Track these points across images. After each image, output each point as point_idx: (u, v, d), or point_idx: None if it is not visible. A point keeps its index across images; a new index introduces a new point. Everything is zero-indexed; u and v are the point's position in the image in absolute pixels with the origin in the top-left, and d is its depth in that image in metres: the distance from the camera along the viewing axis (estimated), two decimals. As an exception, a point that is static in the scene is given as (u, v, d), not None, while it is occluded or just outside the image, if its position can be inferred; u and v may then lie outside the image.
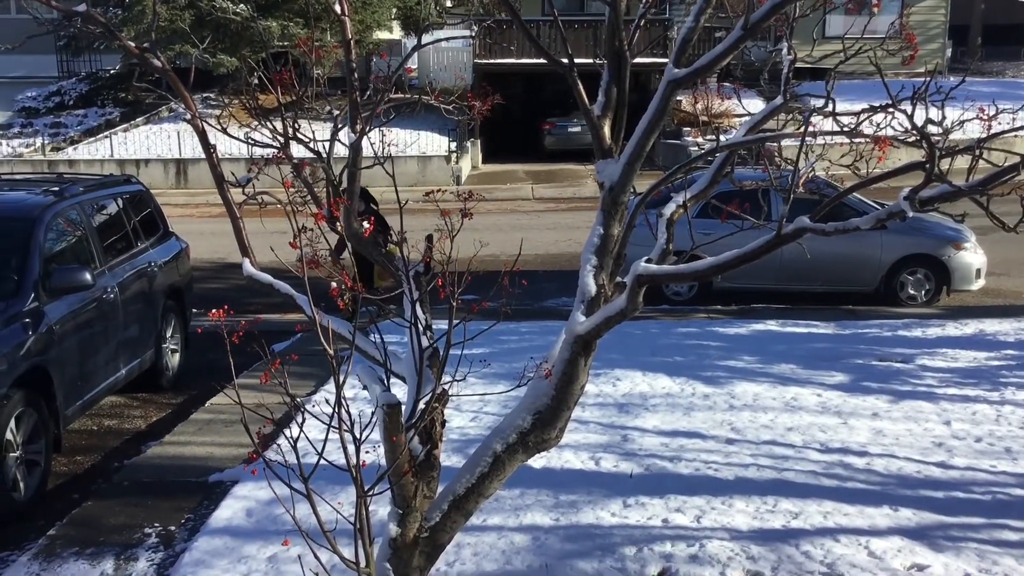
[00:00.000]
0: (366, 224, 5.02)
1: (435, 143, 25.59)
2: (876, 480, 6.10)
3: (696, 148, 23.90)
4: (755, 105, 18.62)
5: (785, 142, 4.41)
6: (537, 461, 6.32)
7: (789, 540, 5.21)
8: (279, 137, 4.73)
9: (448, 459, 5.70)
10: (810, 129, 3.38)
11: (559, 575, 4.86)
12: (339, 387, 3.45)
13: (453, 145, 25.52)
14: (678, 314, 11.64)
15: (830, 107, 3.60)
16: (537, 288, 12.58)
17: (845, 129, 3.89)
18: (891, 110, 3.02)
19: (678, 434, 7.00)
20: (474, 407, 7.54)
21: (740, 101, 8.16)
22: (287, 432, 6.45)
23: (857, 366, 8.87)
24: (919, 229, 11.98)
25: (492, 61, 27.59)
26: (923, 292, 12.15)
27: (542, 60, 4.26)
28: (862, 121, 3.88)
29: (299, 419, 3.48)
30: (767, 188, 5.49)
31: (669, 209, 4.43)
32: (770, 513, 5.58)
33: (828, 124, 4.08)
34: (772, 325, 10.74)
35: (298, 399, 3.59)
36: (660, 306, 12.03)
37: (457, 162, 25.30)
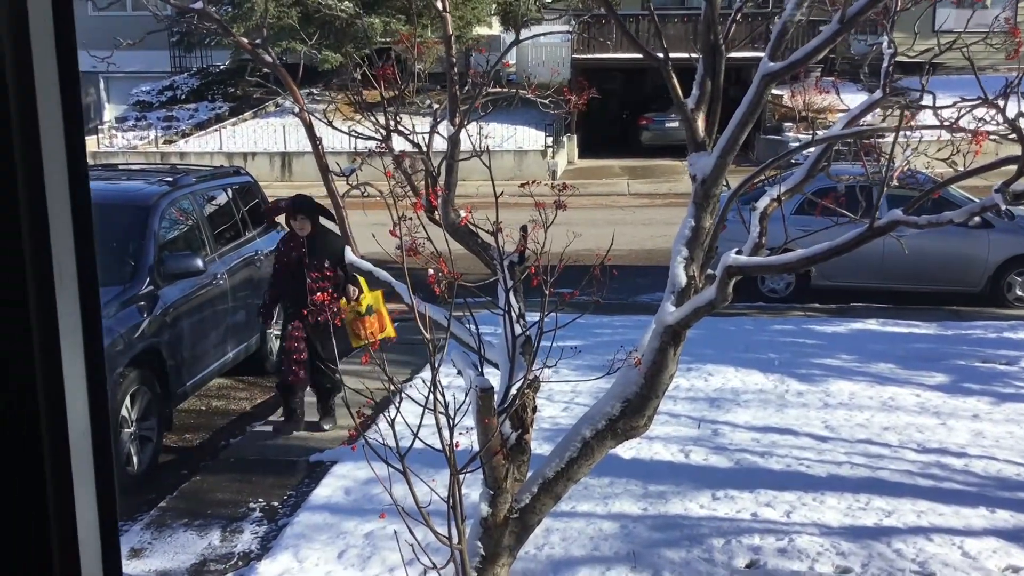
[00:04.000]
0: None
1: (531, 138, 25.74)
2: (973, 481, 5.99)
3: (797, 143, 23.45)
4: (858, 100, 18.14)
5: (887, 137, 4.39)
6: (627, 452, 6.40)
7: (881, 538, 5.17)
8: (381, 130, 4.91)
9: (539, 447, 5.81)
10: (912, 124, 3.38)
11: (646, 563, 4.93)
12: (435, 370, 3.59)
13: (549, 140, 25.62)
14: (774, 312, 11.52)
15: (926, 101, 3.58)
16: (631, 283, 12.61)
17: (945, 124, 3.87)
18: (984, 104, 3.00)
19: (770, 430, 6.97)
20: (566, 397, 7.64)
21: (839, 95, 8.05)
22: (386, 415, 6.67)
23: (959, 367, 8.66)
24: (1029, 229, 11.60)
25: (590, 56, 27.59)
26: (1032, 294, 11.76)
27: (639, 55, 4.33)
28: (960, 116, 3.84)
29: (396, 401, 3.64)
30: (868, 183, 5.44)
31: (763, 203, 4.44)
32: (862, 511, 5.53)
33: (930, 119, 4.04)
34: (872, 324, 10.54)
35: (396, 382, 3.75)
36: (756, 303, 11.93)
37: (553, 157, 25.40)
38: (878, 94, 4.26)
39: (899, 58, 4.45)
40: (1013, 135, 2.89)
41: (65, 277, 0.95)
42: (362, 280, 7.02)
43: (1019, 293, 11.75)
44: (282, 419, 7.40)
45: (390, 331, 7.28)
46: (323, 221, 7.16)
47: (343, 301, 6.98)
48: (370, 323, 7.04)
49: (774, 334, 10.15)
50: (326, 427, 7.18)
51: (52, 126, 0.92)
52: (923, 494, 5.75)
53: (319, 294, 5.29)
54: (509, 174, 23.13)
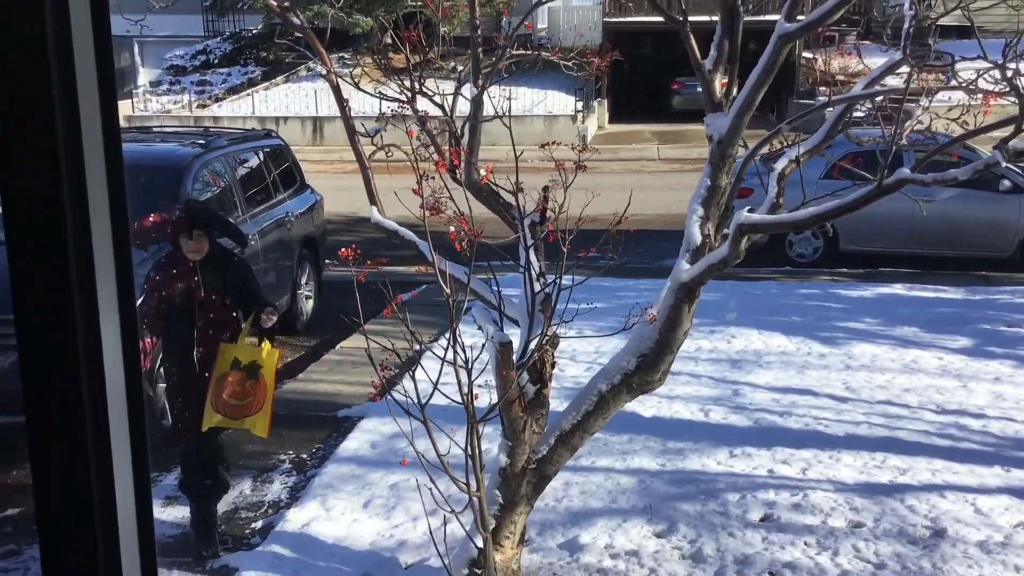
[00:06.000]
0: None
1: (561, 103, 25.70)
2: (991, 442, 6.05)
3: (831, 110, 23.23)
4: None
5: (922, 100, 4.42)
6: (647, 410, 6.52)
7: (894, 495, 5.27)
8: (407, 92, 5.01)
9: (561, 405, 5.93)
10: (923, 85, 3.42)
11: (661, 516, 5.06)
12: (453, 326, 3.72)
13: (580, 105, 25.56)
14: (801, 276, 11.54)
15: (940, 63, 3.62)
16: (656, 247, 12.66)
17: (962, 85, 3.90)
18: (986, 64, 3.04)
19: (790, 391, 7.06)
20: (589, 358, 7.76)
21: (861, 58, 8.01)
22: (411, 373, 6.83)
23: (983, 331, 8.67)
24: (1061, 193, 11.50)
25: (621, 20, 27.43)
26: (1063, 259, 11.68)
27: (694, 17, 4.35)
28: (978, 77, 3.87)
29: (418, 355, 3.76)
30: (883, 147, 5.46)
31: (781, 164, 4.50)
32: (877, 469, 5.62)
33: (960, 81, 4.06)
34: (898, 288, 10.54)
35: (420, 339, 3.87)
36: (783, 268, 11.95)
37: (583, 122, 25.36)
38: (897, 56, 4.30)
39: (935, 22, 4.47)
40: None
41: (103, 251, 1.05)
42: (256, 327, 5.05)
43: (1050, 259, 11.68)
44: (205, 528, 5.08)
45: (263, 422, 4.86)
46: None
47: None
48: (239, 386, 4.80)
49: (800, 298, 10.19)
50: (206, 552, 4.89)
51: (89, 99, 1.02)
52: (939, 453, 5.83)
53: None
54: (539, 139, 22.87)
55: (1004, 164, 2.91)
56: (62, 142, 0.99)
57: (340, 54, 28.18)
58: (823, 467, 5.65)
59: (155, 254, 5.85)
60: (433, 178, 3.90)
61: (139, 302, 4.82)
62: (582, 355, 7.78)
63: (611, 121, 28.34)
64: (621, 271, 11.38)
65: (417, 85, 4.92)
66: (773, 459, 5.77)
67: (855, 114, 5.81)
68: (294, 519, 5.08)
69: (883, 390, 7.07)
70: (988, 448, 5.95)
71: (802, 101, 25.33)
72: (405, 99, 5.01)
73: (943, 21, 4.73)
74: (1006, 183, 11.65)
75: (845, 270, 11.83)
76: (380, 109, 5.02)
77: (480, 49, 4.91)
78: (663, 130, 26.55)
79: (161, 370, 6.69)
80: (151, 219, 5.06)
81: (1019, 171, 11.88)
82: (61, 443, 1.03)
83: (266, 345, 4.95)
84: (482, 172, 4.44)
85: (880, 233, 11.68)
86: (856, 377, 7.37)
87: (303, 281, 9.64)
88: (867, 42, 22.31)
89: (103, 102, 1.03)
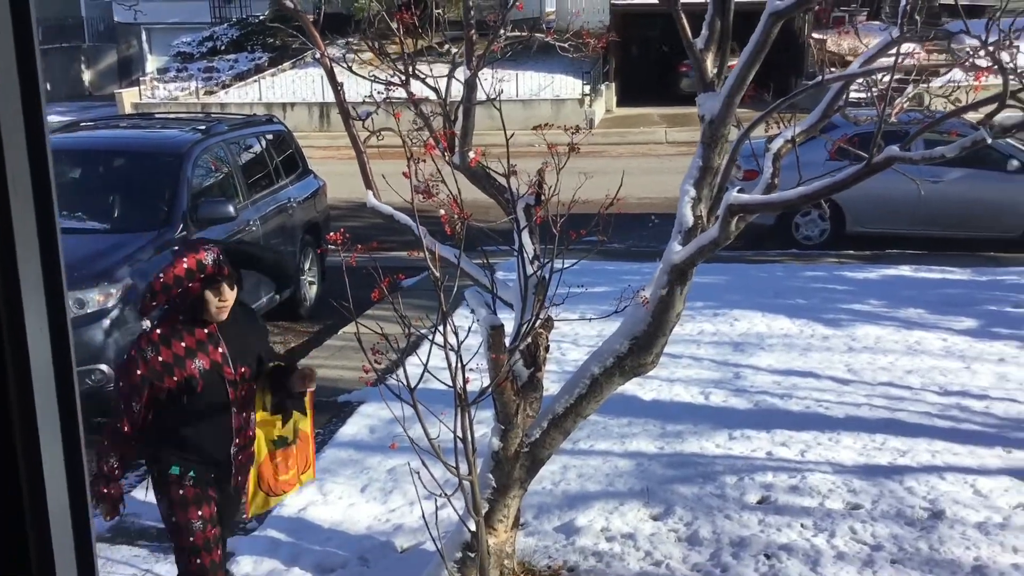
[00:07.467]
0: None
1: (569, 86, 25.57)
2: (992, 423, 6.02)
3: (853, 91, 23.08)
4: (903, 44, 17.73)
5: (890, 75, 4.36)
6: (647, 393, 6.51)
7: (893, 476, 5.24)
8: (400, 75, 4.99)
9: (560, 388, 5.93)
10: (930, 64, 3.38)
11: (658, 499, 5.05)
12: (443, 309, 3.70)
13: (587, 88, 25.44)
14: (807, 258, 11.48)
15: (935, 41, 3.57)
16: (662, 230, 12.57)
17: (956, 62, 3.85)
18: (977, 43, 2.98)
19: (792, 373, 7.03)
20: (591, 341, 7.73)
21: (859, 38, 7.94)
22: (402, 358, 6.83)
23: (989, 312, 8.61)
24: (1069, 173, 11.39)
25: (629, 2, 27.23)
26: (1071, 239, 11.58)
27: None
28: (972, 55, 3.81)
29: (419, 340, 3.74)
30: (881, 126, 5.40)
31: (776, 144, 4.46)
32: (877, 450, 5.60)
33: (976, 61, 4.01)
34: (904, 270, 10.48)
35: (415, 324, 3.85)
36: (789, 251, 11.88)
37: (591, 105, 25.24)
38: (894, 33, 4.24)
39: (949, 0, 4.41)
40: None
41: (25, 234, 1.01)
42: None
43: (1058, 239, 11.58)
44: None
45: (310, 472, 4.33)
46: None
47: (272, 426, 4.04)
48: (294, 456, 4.14)
49: (805, 280, 10.14)
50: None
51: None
52: (940, 435, 5.80)
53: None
54: (549, 123, 23.02)
55: (990, 140, 2.87)
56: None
57: (347, 39, 28.13)
58: (822, 449, 5.63)
59: None
60: (424, 161, 3.88)
61: (125, 398, 3.50)
62: (584, 338, 7.77)
63: (619, 104, 28.19)
64: (626, 254, 11.35)
65: (411, 68, 4.90)
66: (772, 441, 5.75)
67: (853, 94, 5.76)
68: (291, 504, 5.08)
69: (885, 372, 7.03)
70: (990, 429, 5.91)
71: (810, 82, 25.14)
72: (399, 82, 4.99)
73: (950, 0, 4.67)
74: (1014, 163, 11.54)
75: (852, 252, 11.75)
76: (372, 92, 4.99)
77: (473, 32, 4.88)
78: (671, 113, 26.40)
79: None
80: (183, 264, 3.46)
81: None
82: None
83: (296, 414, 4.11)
84: (471, 155, 4.41)
85: (887, 215, 11.59)
86: (859, 359, 7.33)
87: (306, 267, 9.65)
88: (876, 22, 22.12)
89: (22, 79, 1.00)
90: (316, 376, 4.00)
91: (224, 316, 3.60)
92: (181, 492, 3.59)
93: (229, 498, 3.83)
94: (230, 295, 3.57)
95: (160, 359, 3.48)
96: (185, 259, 3.47)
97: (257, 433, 3.89)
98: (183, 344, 3.52)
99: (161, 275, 3.44)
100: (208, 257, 3.49)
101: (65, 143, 8.36)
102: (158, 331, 3.55)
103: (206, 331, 3.58)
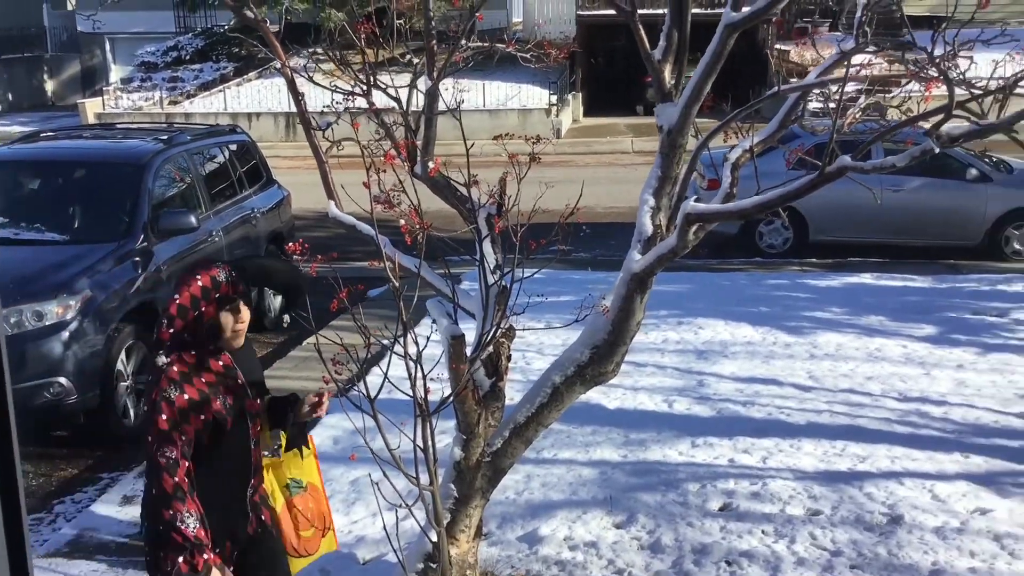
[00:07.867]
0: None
1: (536, 96, 25.65)
2: (951, 428, 6.10)
3: (811, 101, 23.34)
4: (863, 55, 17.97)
5: (849, 87, 4.42)
6: (611, 402, 6.53)
7: (853, 482, 5.29)
8: (361, 85, 4.98)
9: (524, 397, 5.94)
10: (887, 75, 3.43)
11: (621, 507, 5.06)
12: (402, 317, 3.69)
13: (554, 98, 25.54)
14: (770, 267, 11.58)
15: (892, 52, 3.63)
16: (629, 240, 12.65)
17: (909, 73, 3.91)
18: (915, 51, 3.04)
19: (754, 380, 7.08)
20: (555, 351, 7.74)
21: (816, 49, 8.04)
22: (375, 370, 6.81)
23: (949, 319, 8.73)
24: (1027, 182, 11.60)
25: (595, 13, 27.37)
26: (1029, 247, 11.77)
27: (649, 11, 4.36)
28: (922, 68, 3.88)
29: (368, 349, 3.74)
30: (834, 135, 5.48)
31: (735, 154, 4.52)
32: (837, 456, 5.65)
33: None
34: (866, 278, 10.60)
35: (375, 335, 3.83)
36: (753, 259, 11.98)
37: (557, 115, 25.34)
38: (848, 45, 4.31)
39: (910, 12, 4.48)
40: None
41: None
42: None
43: (1016, 247, 11.76)
44: None
45: (332, 534, 3.98)
46: None
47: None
48: (310, 508, 3.82)
49: (768, 288, 10.23)
50: None
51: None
52: (899, 441, 5.87)
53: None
54: (513, 133, 23.07)
55: (937, 150, 2.92)
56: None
57: (310, 49, 28.05)
58: (783, 456, 5.68)
59: None
60: (385, 171, 3.88)
61: (162, 447, 2.95)
62: (548, 348, 7.78)
63: (586, 114, 28.32)
64: (593, 263, 11.39)
65: (372, 78, 4.89)
66: (734, 448, 5.79)
67: (812, 105, 5.83)
68: (253, 516, 5.04)
69: (846, 378, 7.11)
70: (948, 435, 5.99)
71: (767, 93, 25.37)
72: (360, 92, 4.98)
73: (914, 11, 4.75)
74: (973, 172, 11.73)
75: (814, 260, 11.87)
76: (332, 102, 4.98)
77: (435, 43, 4.88)
78: (637, 123, 26.57)
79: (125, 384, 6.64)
80: (197, 282, 3.15)
81: (987, 160, 11.96)
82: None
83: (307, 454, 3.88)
84: (430, 165, 4.41)
85: (849, 223, 11.73)
86: (820, 366, 7.41)
87: (270, 277, 9.58)
88: (836, 33, 22.42)
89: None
90: (328, 401, 3.69)
91: (241, 342, 3.27)
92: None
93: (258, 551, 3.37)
94: (247, 316, 3.25)
95: (186, 397, 3.03)
96: (199, 277, 3.15)
97: (266, 477, 3.59)
98: (203, 379, 3.11)
99: (176, 297, 3.11)
100: (221, 275, 3.18)
101: (25, 154, 8.28)
102: (175, 368, 3.06)
103: (221, 362, 3.18)
